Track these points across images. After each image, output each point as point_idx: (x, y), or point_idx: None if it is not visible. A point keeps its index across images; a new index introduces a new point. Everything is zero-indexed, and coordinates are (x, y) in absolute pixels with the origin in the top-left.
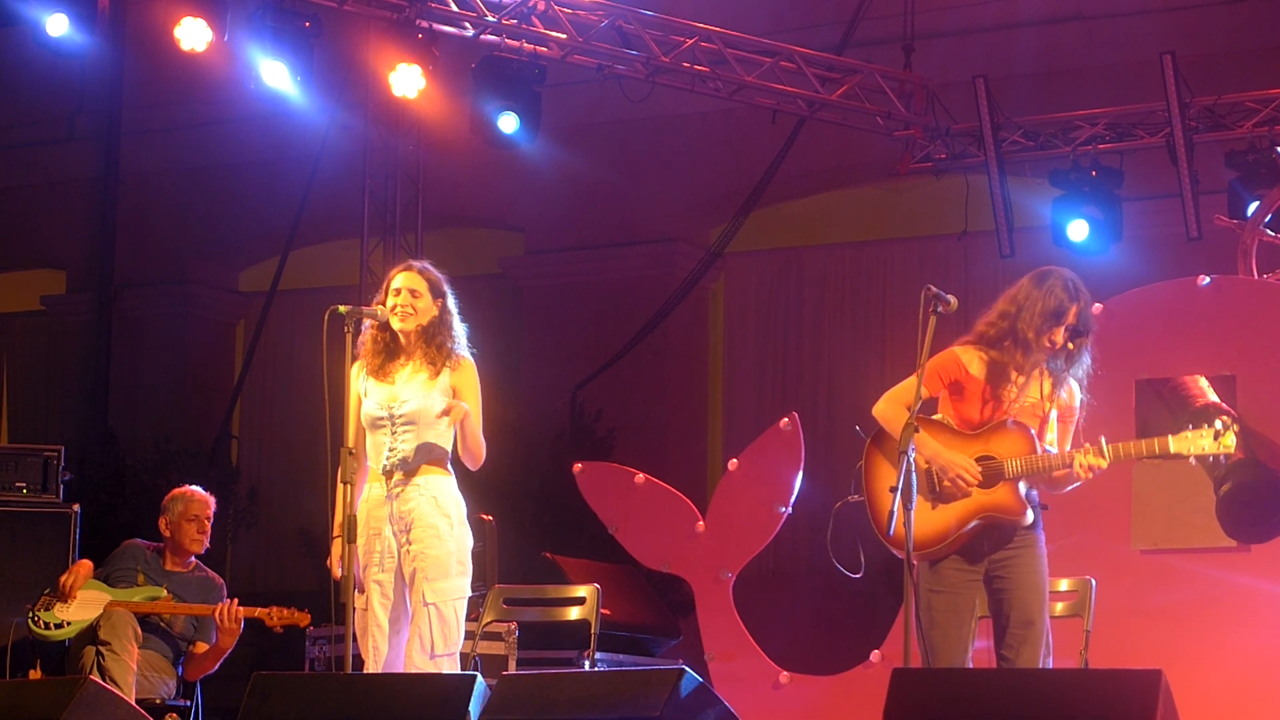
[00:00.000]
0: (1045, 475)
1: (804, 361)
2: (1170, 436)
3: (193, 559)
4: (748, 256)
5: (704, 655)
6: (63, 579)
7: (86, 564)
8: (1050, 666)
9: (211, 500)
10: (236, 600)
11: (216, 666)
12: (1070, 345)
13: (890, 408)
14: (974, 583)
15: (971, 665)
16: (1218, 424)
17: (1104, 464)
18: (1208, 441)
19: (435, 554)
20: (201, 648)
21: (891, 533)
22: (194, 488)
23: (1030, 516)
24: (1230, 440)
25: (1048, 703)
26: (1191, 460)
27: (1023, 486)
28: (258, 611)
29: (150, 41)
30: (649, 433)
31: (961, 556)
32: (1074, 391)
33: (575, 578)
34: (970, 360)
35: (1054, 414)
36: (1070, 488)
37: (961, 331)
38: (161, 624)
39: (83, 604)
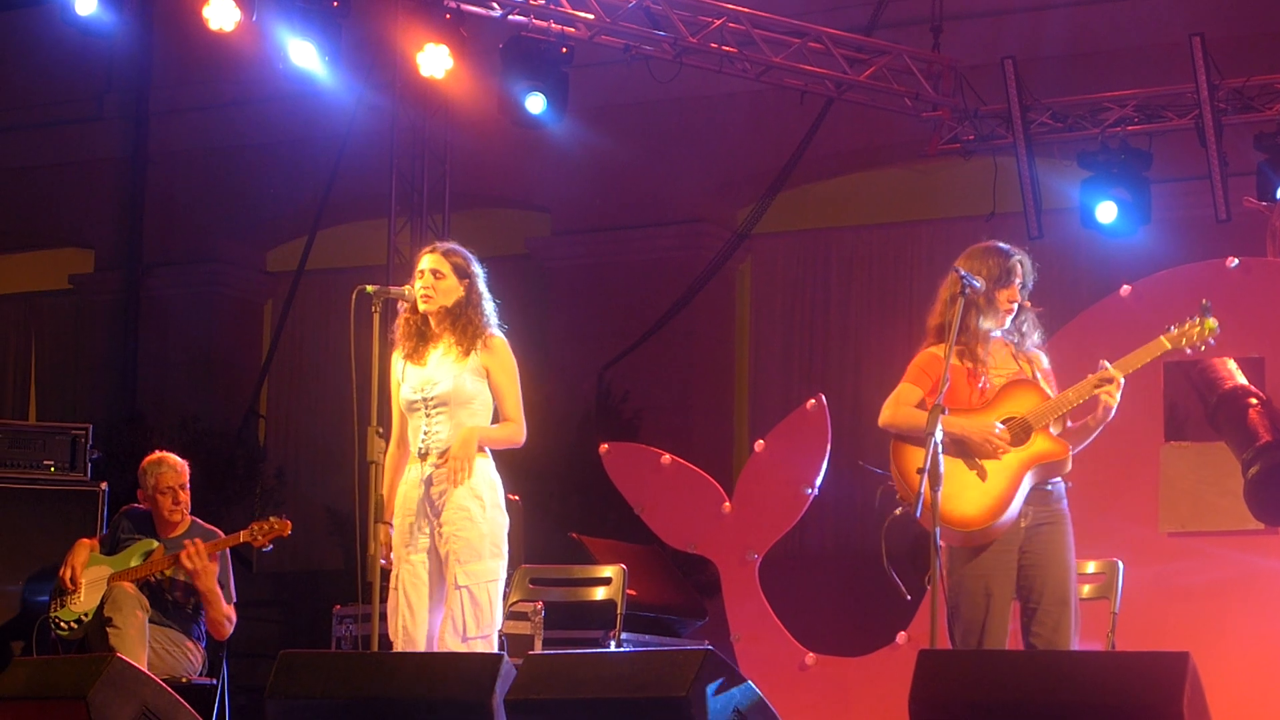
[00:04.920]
0: (1066, 414)
1: (831, 343)
2: (1162, 335)
3: (186, 520)
4: (775, 238)
5: (730, 636)
6: (62, 573)
7: (82, 547)
8: (1076, 647)
9: (184, 465)
10: (199, 540)
11: (227, 612)
12: (1023, 303)
13: (890, 411)
14: (1010, 564)
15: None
16: (1200, 315)
17: (1118, 376)
18: (1195, 330)
19: (467, 536)
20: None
21: (919, 514)
22: (164, 455)
23: (1070, 461)
24: (1213, 323)
25: (1074, 684)
26: (1187, 350)
27: (1054, 432)
28: (242, 535)
29: (178, 21)
30: (675, 413)
31: (1001, 536)
32: (1041, 355)
33: (601, 558)
34: (958, 359)
35: (1037, 375)
36: (1091, 437)
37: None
38: (169, 605)
39: (91, 587)
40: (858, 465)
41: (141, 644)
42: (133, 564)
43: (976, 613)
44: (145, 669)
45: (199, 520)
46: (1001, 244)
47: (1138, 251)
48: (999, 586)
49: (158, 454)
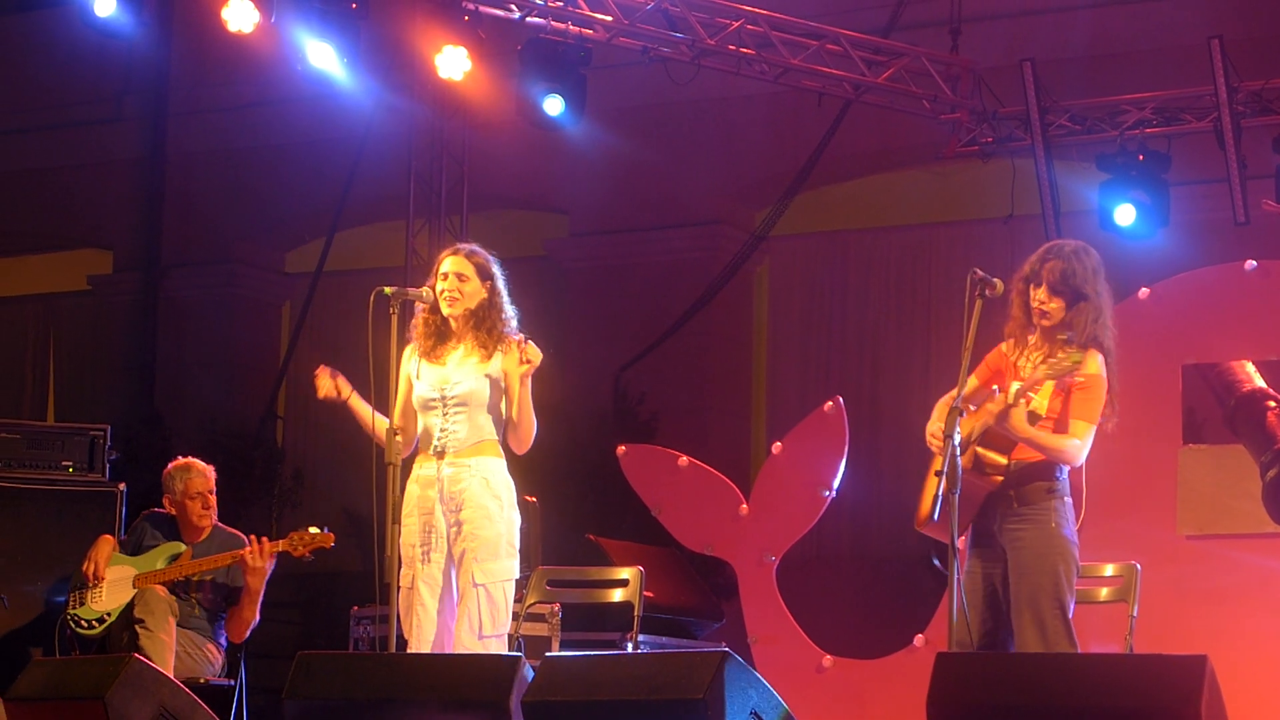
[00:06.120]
0: (999, 434)
1: (848, 345)
2: (1042, 364)
3: (209, 527)
4: (792, 240)
5: (747, 638)
6: (85, 567)
7: (105, 542)
8: (1074, 647)
9: (211, 471)
10: (265, 538)
11: (256, 614)
12: (1055, 303)
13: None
14: (989, 558)
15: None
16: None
17: (1001, 402)
18: (1066, 361)
19: (485, 535)
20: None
21: (936, 517)
22: (192, 460)
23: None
24: (1077, 356)
25: (1092, 687)
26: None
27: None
28: (280, 544)
29: (197, 22)
30: (693, 415)
31: (975, 535)
32: (1088, 361)
33: (618, 560)
34: (1007, 348)
35: (1051, 382)
36: (1042, 450)
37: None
38: (195, 610)
39: (114, 587)
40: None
41: (170, 647)
42: (158, 566)
43: (957, 606)
44: (171, 671)
45: (221, 524)
46: (1055, 244)
47: (1156, 254)
48: (968, 580)
49: (185, 459)
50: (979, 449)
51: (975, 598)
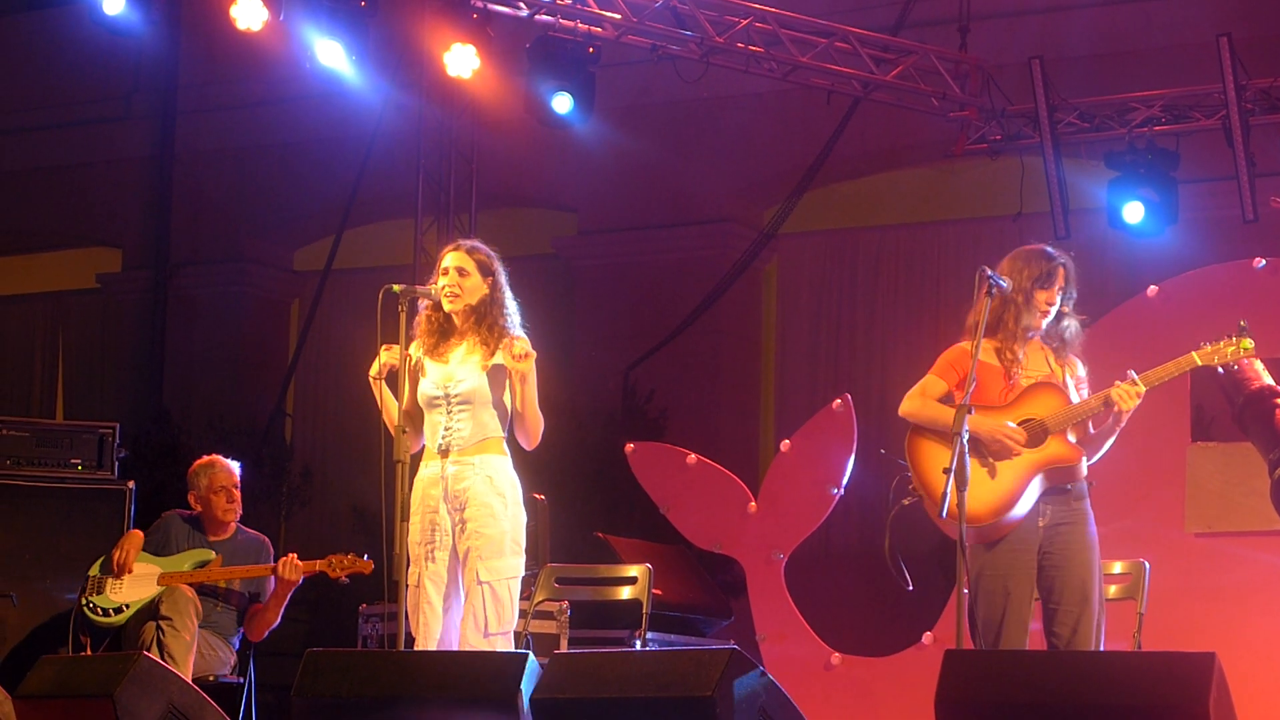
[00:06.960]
0: (1086, 422)
1: (857, 343)
2: (1194, 352)
3: (233, 525)
4: (801, 237)
5: (755, 636)
6: (116, 555)
7: (137, 535)
8: (1102, 647)
9: (236, 467)
10: (295, 555)
11: (279, 618)
12: (1064, 309)
13: (915, 402)
14: (1029, 563)
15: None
16: (1236, 335)
17: (1140, 389)
18: (1230, 349)
19: (490, 533)
20: (259, 606)
21: (945, 514)
22: (216, 457)
23: (1085, 466)
24: (1248, 343)
25: (1101, 684)
26: (1219, 369)
27: (1071, 438)
28: (318, 565)
29: (206, 20)
30: (701, 413)
31: (1017, 533)
32: (1078, 362)
33: (627, 557)
34: (971, 346)
35: (1069, 381)
36: (1108, 443)
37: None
38: (218, 605)
39: (136, 581)
40: (880, 454)
41: (192, 647)
42: (184, 568)
43: (994, 611)
44: (191, 669)
45: (242, 525)
46: (1049, 248)
47: (1165, 251)
48: (1016, 585)
49: (208, 457)
50: (1063, 441)
51: (1015, 599)
